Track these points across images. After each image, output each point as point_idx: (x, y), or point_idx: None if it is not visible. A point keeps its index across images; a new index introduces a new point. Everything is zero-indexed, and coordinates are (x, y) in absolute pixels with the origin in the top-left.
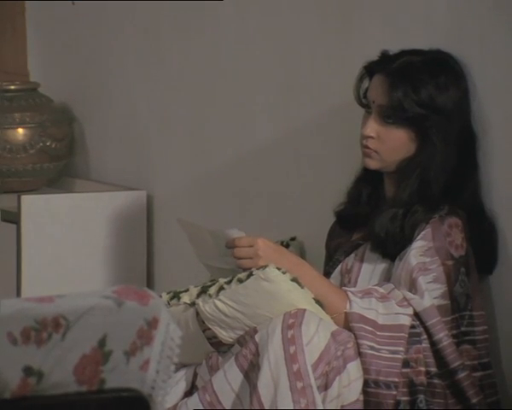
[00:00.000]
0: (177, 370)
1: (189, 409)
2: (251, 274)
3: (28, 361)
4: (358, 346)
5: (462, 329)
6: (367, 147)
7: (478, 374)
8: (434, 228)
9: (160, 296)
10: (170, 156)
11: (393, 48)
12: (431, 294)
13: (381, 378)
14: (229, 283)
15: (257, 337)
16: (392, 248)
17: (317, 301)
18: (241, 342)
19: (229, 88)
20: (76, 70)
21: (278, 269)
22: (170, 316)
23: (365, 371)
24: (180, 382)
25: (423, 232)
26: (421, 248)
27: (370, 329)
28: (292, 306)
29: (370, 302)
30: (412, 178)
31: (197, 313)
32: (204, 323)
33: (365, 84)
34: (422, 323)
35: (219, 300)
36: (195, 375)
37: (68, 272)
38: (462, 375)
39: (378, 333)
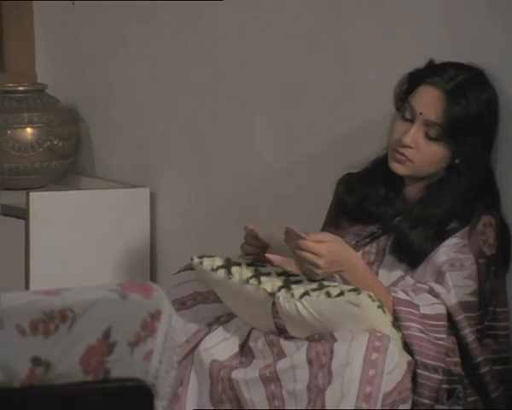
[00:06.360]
0: (227, 321)
1: (251, 392)
2: (342, 293)
3: (36, 352)
4: (407, 328)
5: (486, 323)
6: (403, 155)
7: (498, 368)
8: (471, 226)
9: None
10: (173, 154)
11: (391, 54)
12: (463, 290)
13: (430, 362)
14: (315, 290)
15: (336, 345)
16: (420, 260)
17: (394, 325)
18: (310, 338)
19: (231, 87)
20: (82, 72)
21: (369, 296)
22: (172, 308)
23: (416, 352)
24: (231, 339)
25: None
26: (456, 246)
27: (418, 313)
28: (373, 329)
29: (407, 294)
30: (449, 193)
31: (273, 303)
32: (277, 313)
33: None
34: (450, 318)
35: (301, 303)
36: (249, 334)
37: (74, 266)
38: (483, 370)
39: (424, 321)
